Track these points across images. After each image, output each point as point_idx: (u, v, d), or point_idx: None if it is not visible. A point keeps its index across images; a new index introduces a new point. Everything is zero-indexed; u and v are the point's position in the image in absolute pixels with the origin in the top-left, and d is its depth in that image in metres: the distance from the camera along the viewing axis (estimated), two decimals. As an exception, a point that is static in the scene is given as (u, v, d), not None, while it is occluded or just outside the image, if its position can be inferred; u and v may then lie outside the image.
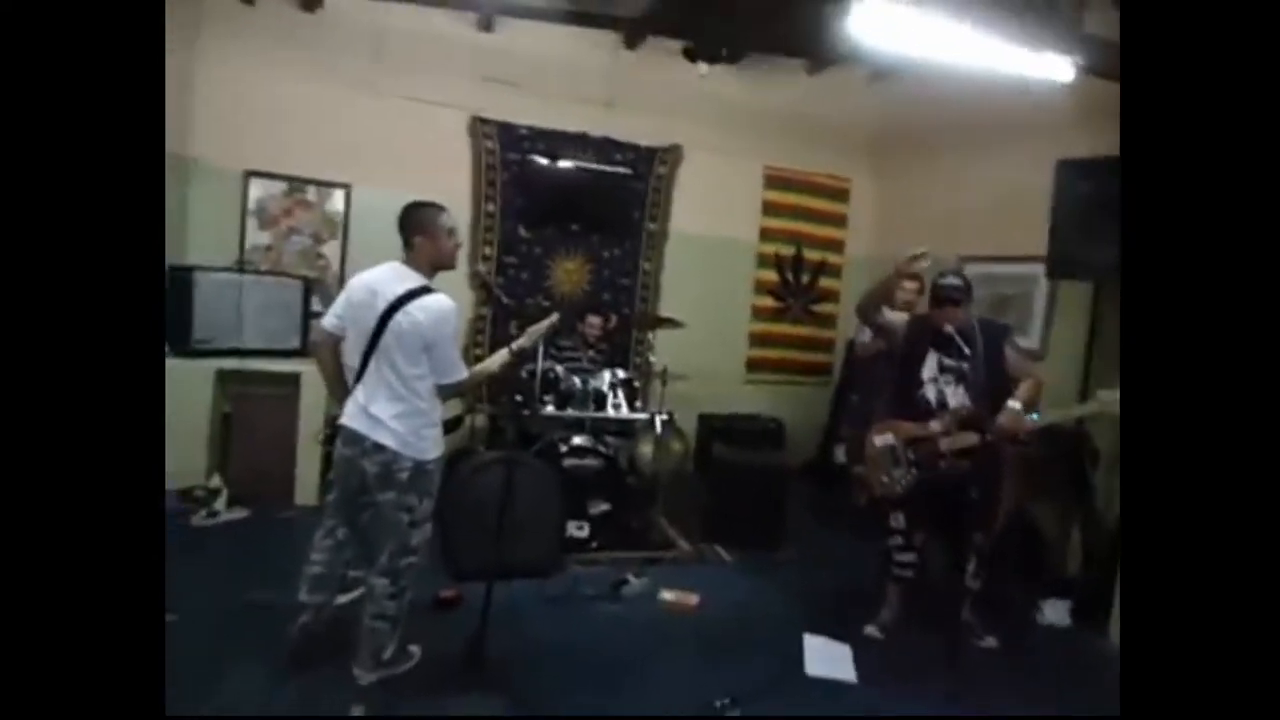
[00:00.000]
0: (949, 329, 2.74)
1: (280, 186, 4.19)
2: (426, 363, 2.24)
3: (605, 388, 3.84)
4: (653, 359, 4.09)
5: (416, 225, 2.30)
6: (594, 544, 3.54)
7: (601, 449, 3.66)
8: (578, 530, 3.51)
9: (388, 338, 2.22)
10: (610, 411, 3.80)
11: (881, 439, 2.82)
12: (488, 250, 4.64)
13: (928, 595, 3.04)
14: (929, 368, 2.79)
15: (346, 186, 4.32)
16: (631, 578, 3.23)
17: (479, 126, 4.54)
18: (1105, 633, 3.11)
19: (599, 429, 3.87)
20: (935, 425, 2.73)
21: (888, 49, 3.10)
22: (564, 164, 4.67)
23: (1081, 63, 2.83)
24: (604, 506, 3.60)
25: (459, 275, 4.42)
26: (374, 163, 4.33)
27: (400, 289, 2.23)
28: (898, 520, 2.90)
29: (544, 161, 4.62)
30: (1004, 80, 3.00)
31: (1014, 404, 2.61)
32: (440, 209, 2.36)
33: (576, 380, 3.84)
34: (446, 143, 4.51)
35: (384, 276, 2.29)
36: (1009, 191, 4.16)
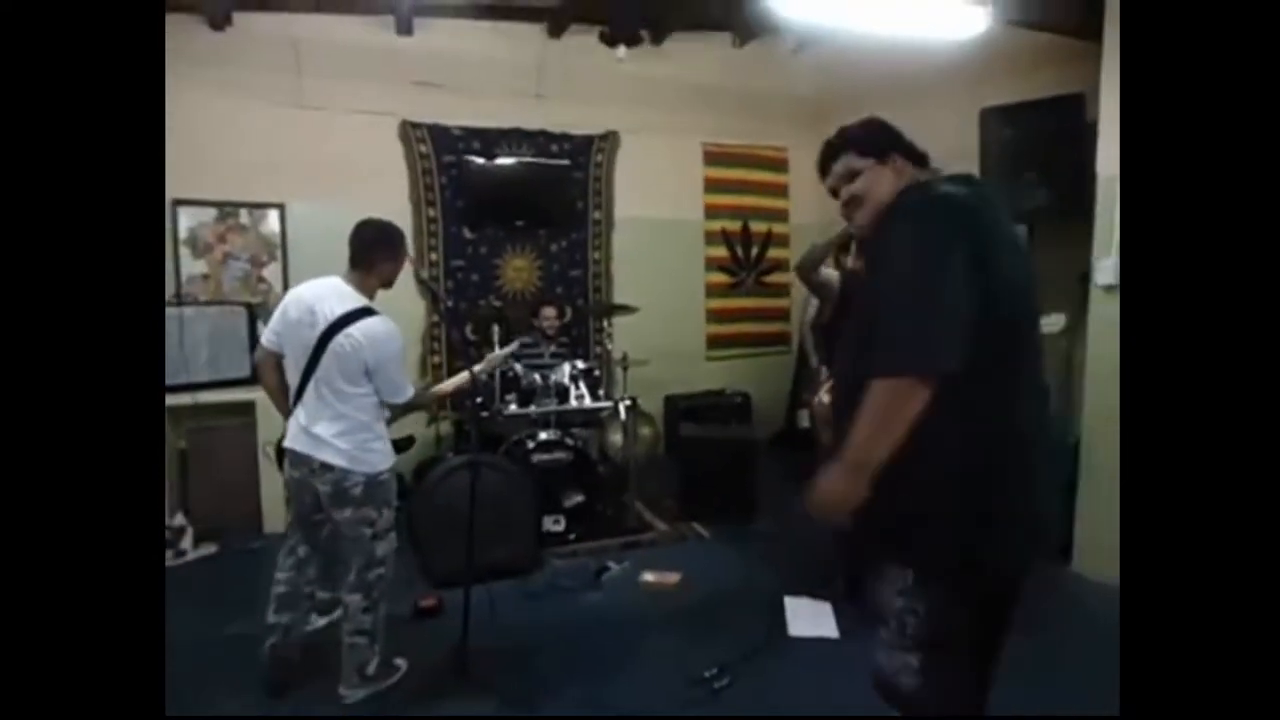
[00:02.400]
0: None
1: (211, 213, 4.08)
2: (369, 383, 2.23)
3: (567, 380, 3.84)
4: (610, 346, 4.09)
5: (384, 247, 2.28)
6: (571, 536, 3.55)
7: (569, 441, 3.66)
8: (554, 524, 3.52)
9: (327, 359, 2.19)
10: (574, 403, 3.81)
11: (830, 398, 2.88)
12: (433, 256, 4.58)
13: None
14: None
15: (280, 206, 4.22)
16: (611, 564, 3.26)
17: (410, 131, 4.47)
18: (1068, 562, 3.24)
19: (565, 422, 3.88)
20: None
21: (803, 16, 3.14)
22: (501, 161, 4.62)
23: (995, 12, 2.90)
24: (578, 498, 3.61)
25: (408, 284, 4.40)
26: (306, 179, 4.24)
27: (340, 309, 2.19)
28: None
29: (480, 160, 4.57)
30: (923, 37, 3.07)
31: None
32: (401, 232, 2.36)
33: (537, 376, 3.83)
34: (379, 151, 4.43)
35: (324, 294, 2.24)
36: (943, 145, 4.20)
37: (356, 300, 2.23)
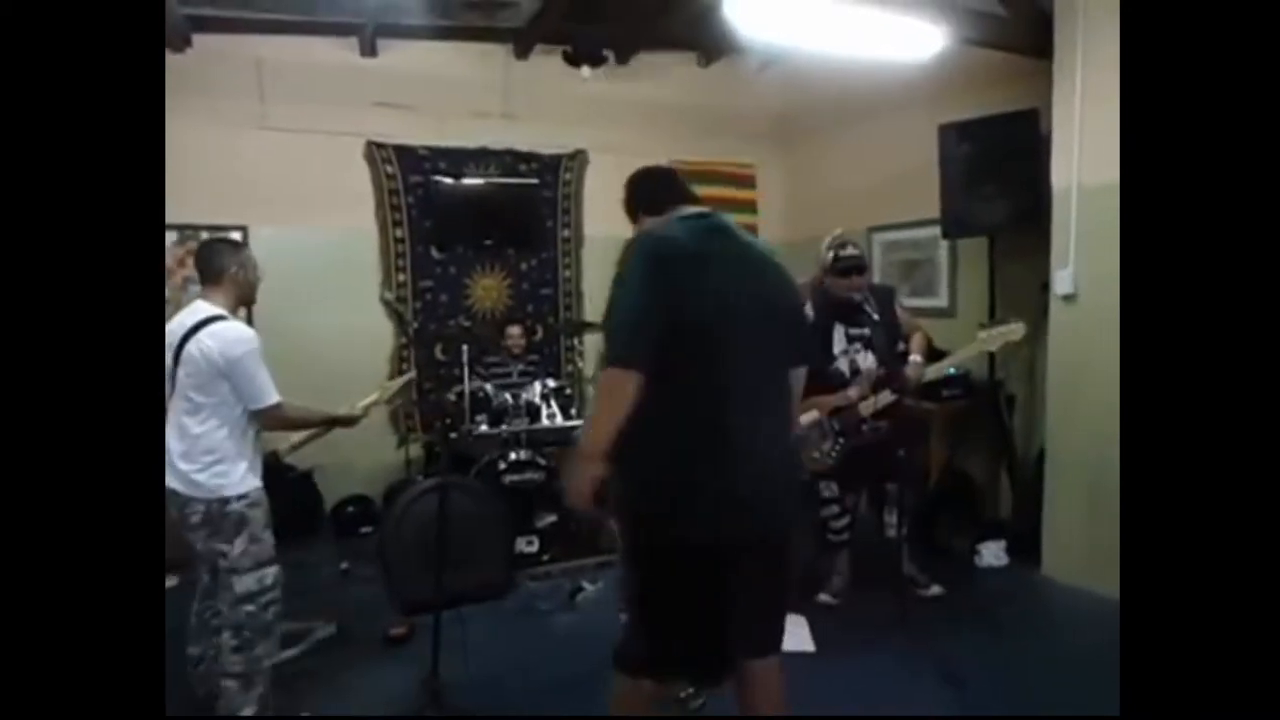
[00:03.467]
0: (857, 298, 2.84)
1: (171, 236, 4.00)
2: (225, 390, 2.09)
3: (538, 399, 3.81)
4: (582, 364, 4.08)
5: (222, 259, 2.22)
6: (545, 556, 3.51)
7: (541, 461, 3.63)
8: (527, 545, 3.47)
9: (181, 372, 2.09)
10: (545, 422, 3.78)
11: (807, 416, 2.90)
12: (401, 277, 4.54)
13: (875, 555, 3.13)
14: (838, 340, 2.89)
15: (243, 228, 4.15)
16: (586, 585, 3.23)
17: (375, 152, 4.44)
18: (1038, 567, 3.29)
19: (537, 441, 3.84)
20: (852, 393, 2.83)
21: (765, 36, 3.19)
22: (469, 181, 4.61)
23: (948, 31, 2.97)
24: (551, 518, 3.57)
25: (377, 305, 4.36)
26: (270, 201, 4.18)
27: (191, 321, 2.12)
28: (830, 489, 2.99)
29: (448, 180, 4.55)
30: (883, 55, 3.13)
31: (916, 357, 2.78)
32: (243, 244, 2.30)
33: (508, 396, 3.80)
34: (344, 172, 4.39)
35: (181, 316, 2.18)
36: (905, 159, 4.32)
37: (211, 312, 2.15)
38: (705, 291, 1.61)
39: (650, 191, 1.93)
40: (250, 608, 2.12)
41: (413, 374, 2.65)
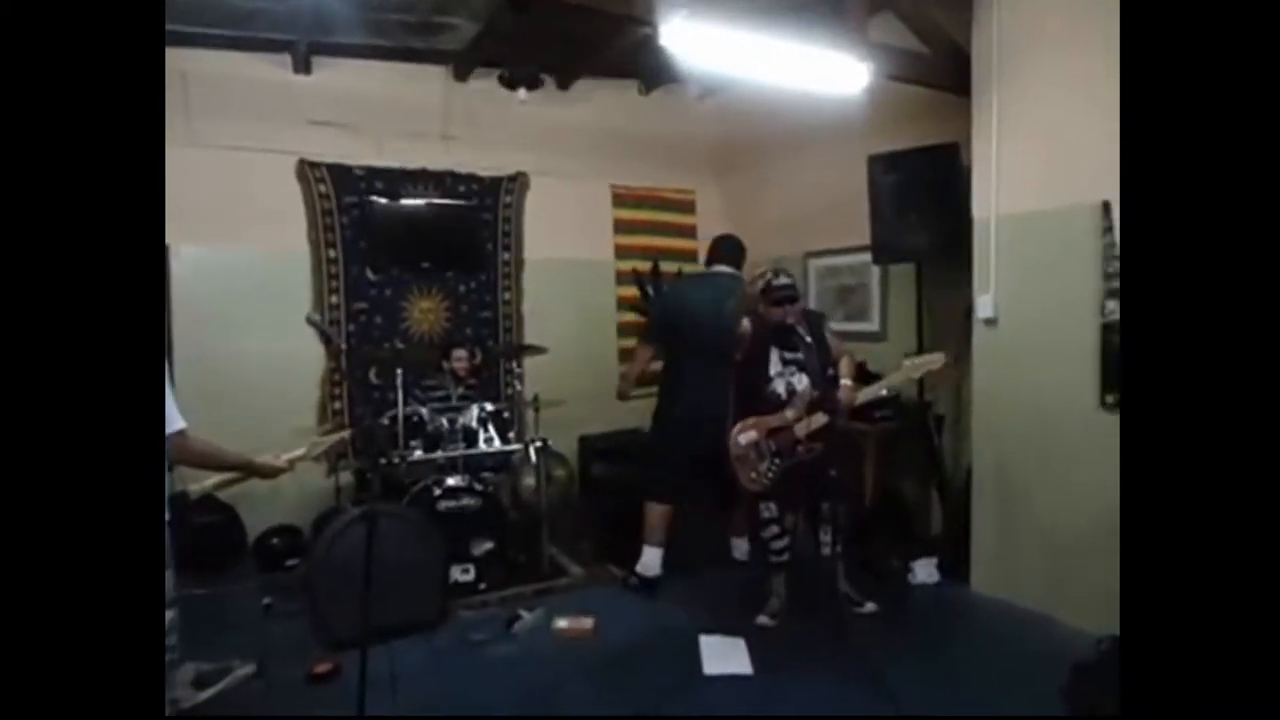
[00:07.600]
0: (790, 322, 2.91)
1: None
2: None
3: (475, 423, 3.74)
4: (520, 388, 4.04)
5: None
6: (481, 585, 3.42)
7: (478, 486, 3.55)
8: (462, 574, 3.37)
9: None
10: (483, 446, 3.71)
11: (745, 437, 2.93)
12: (334, 298, 4.42)
13: (811, 575, 3.17)
14: (774, 363, 2.95)
15: (165, 248, 3.97)
16: (523, 613, 3.15)
17: (308, 171, 4.33)
18: (968, 583, 3.38)
19: (474, 466, 3.76)
20: (789, 414, 2.88)
21: (701, 67, 3.27)
22: (406, 202, 4.54)
23: (874, 68, 3.10)
24: (487, 545, 3.48)
25: (308, 328, 4.22)
26: (195, 220, 4.01)
27: None
28: (769, 510, 3.02)
29: (384, 201, 4.48)
30: (815, 88, 3.24)
31: (846, 381, 2.85)
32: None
33: (444, 420, 3.72)
34: (274, 191, 4.26)
35: None
36: (838, 188, 4.45)
37: None
38: (676, 310, 3.52)
39: (709, 254, 3.74)
40: None
41: (346, 433, 2.56)
